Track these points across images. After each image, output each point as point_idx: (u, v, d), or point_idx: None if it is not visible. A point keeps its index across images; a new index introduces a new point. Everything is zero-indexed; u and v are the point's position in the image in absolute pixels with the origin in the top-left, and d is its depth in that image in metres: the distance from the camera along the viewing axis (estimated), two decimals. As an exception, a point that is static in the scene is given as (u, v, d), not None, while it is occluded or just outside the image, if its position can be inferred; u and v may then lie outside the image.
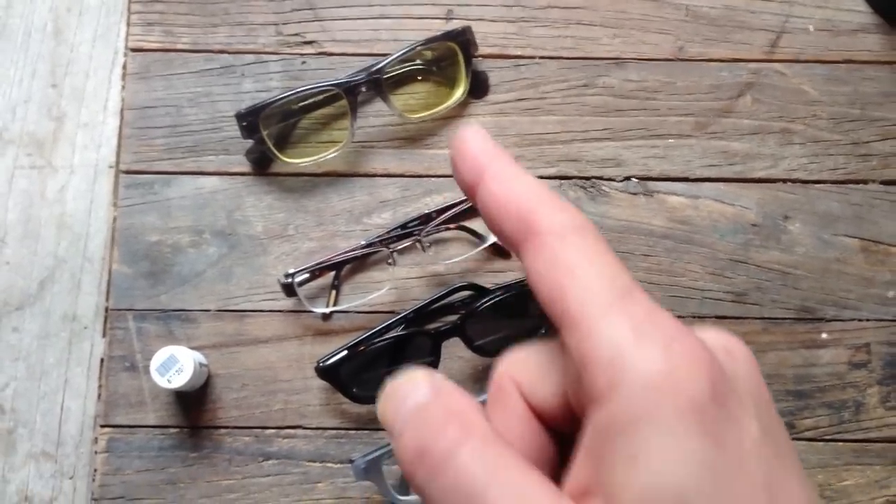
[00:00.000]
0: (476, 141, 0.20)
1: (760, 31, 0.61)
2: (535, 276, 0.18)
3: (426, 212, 0.56)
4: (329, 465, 0.54)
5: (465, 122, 0.59)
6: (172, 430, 0.54)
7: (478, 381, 0.55)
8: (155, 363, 0.50)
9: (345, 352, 0.53)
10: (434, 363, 0.54)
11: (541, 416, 0.20)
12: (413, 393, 0.19)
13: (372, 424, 0.55)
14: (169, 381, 0.50)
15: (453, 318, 0.54)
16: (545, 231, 0.18)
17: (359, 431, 0.54)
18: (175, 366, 0.50)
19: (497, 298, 0.53)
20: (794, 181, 0.59)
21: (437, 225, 0.55)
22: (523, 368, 0.20)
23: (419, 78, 0.59)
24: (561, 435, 0.20)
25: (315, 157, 0.56)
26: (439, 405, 0.18)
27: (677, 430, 0.15)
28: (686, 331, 0.17)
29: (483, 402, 0.20)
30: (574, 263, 0.18)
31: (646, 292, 0.18)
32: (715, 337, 0.18)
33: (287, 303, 0.55)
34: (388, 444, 0.51)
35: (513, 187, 0.19)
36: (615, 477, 0.16)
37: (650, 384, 0.16)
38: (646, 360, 0.16)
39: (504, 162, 0.19)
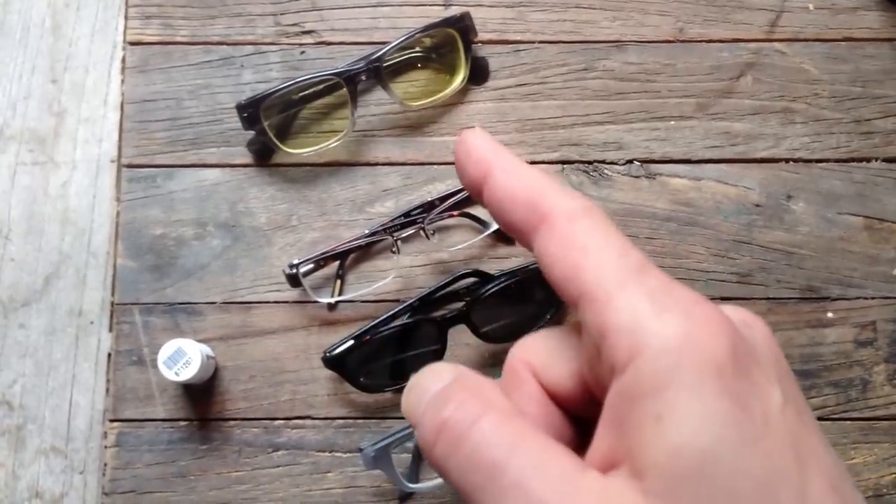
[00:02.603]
0: (479, 140, 0.21)
1: (760, 10, 0.60)
2: (549, 258, 0.19)
3: (429, 199, 0.56)
4: (338, 454, 0.54)
5: (466, 110, 0.59)
6: (181, 423, 0.54)
7: (484, 368, 0.55)
8: (162, 356, 0.50)
9: (351, 341, 0.53)
10: (440, 350, 0.54)
11: (556, 399, 0.20)
12: (435, 382, 0.19)
13: (380, 413, 0.55)
14: (177, 373, 0.50)
15: (459, 305, 0.54)
16: (556, 215, 0.19)
17: (367, 420, 0.55)
18: (182, 358, 0.50)
19: (502, 284, 0.53)
20: (796, 160, 0.59)
21: (441, 212, 0.55)
22: (536, 352, 0.20)
23: (419, 65, 0.59)
24: (578, 420, 0.20)
25: (316, 147, 0.56)
26: (459, 385, 0.18)
27: (701, 391, 0.16)
28: (703, 299, 0.17)
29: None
30: (587, 243, 0.18)
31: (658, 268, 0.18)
32: (732, 310, 0.19)
33: (292, 293, 0.55)
34: (397, 433, 0.51)
35: (520, 177, 0.20)
36: (640, 439, 0.16)
37: (671, 347, 0.16)
38: (666, 326, 0.16)
39: (508, 156, 0.20)
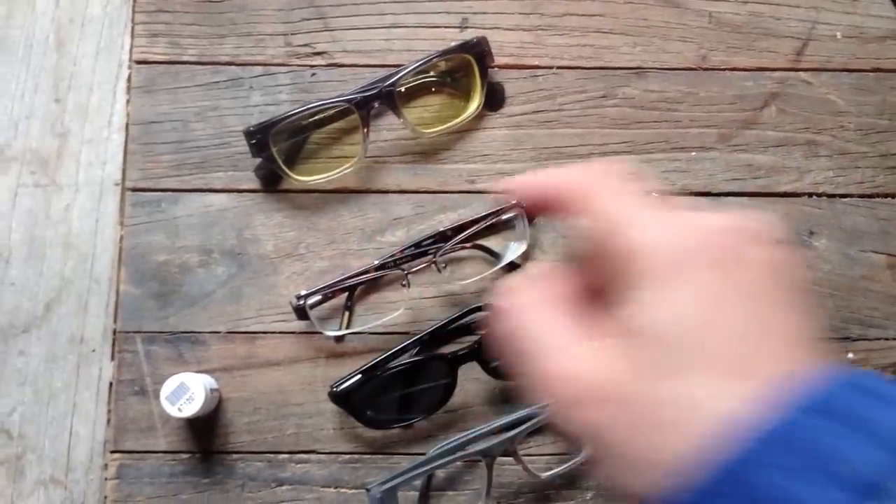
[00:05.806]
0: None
1: (786, 38, 0.58)
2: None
3: (441, 230, 0.55)
4: (343, 490, 0.53)
5: (480, 137, 0.57)
6: (184, 456, 0.53)
7: (494, 404, 0.54)
8: (165, 392, 0.49)
9: (358, 376, 0.51)
10: (451, 386, 0.53)
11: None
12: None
13: (387, 449, 0.53)
14: (180, 409, 0.49)
15: (469, 338, 0.53)
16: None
17: (373, 456, 0.53)
18: (185, 394, 0.49)
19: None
20: (819, 195, 0.57)
21: (453, 245, 0.53)
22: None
23: (433, 90, 0.57)
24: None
25: (327, 175, 0.54)
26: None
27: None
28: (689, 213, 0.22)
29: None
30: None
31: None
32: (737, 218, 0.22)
33: (299, 324, 0.54)
34: (405, 472, 0.50)
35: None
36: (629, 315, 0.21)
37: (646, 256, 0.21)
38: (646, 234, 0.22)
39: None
